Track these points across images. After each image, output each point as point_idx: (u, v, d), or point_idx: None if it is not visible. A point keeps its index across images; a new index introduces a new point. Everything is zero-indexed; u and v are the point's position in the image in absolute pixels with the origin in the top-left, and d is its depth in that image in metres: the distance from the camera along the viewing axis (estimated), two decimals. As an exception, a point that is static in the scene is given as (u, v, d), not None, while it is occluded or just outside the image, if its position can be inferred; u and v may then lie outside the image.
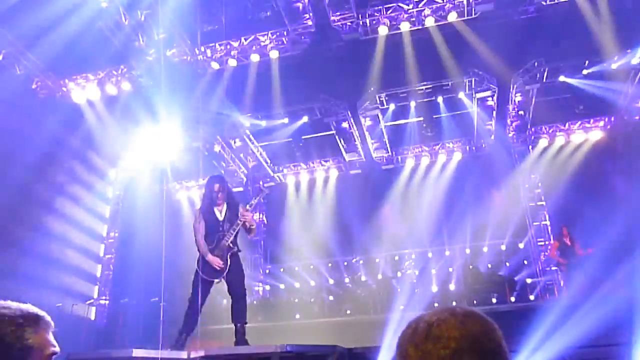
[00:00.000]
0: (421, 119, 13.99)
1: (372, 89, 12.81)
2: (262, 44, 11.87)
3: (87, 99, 12.55)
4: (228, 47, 12.08)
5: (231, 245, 5.90)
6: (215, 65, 12.08)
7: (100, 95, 12.55)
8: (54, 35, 10.40)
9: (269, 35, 11.81)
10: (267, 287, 15.72)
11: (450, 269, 13.60)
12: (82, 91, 12.48)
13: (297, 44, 11.55)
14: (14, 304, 1.35)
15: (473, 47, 11.10)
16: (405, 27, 11.22)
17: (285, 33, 11.65)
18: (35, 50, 11.17)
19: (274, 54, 11.77)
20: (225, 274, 5.84)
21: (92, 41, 11.01)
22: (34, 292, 11.37)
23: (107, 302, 14.54)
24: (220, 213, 6.05)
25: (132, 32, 11.08)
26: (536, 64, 11.86)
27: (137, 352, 4.79)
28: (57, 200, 12.95)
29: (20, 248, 11.61)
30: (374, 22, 11.34)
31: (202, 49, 11.98)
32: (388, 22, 11.25)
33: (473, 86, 12.75)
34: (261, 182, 16.22)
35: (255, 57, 11.89)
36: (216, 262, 5.84)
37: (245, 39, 11.92)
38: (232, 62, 12.03)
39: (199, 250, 6.00)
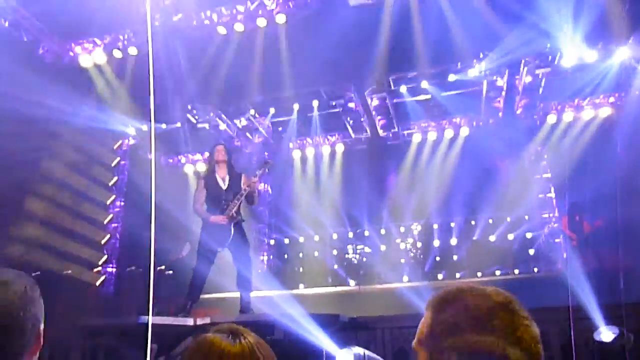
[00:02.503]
0: (429, 96, 13.89)
1: (379, 72, 12.68)
2: (268, 8, 11.69)
3: (94, 63, 12.49)
4: (234, 11, 11.90)
5: (235, 214, 5.90)
6: (221, 30, 11.91)
7: (107, 60, 12.49)
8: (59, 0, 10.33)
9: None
10: (272, 257, 15.87)
11: (455, 241, 13.65)
12: (89, 56, 12.41)
13: (303, 8, 11.36)
14: (21, 272, 1.35)
15: (487, 26, 10.87)
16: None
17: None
18: (41, 15, 11.08)
19: (280, 19, 11.57)
20: (229, 243, 5.85)
21: (98, 6, 10.91)
22: (41, 260, 11.54)
23: (114, 270, 14.73)
24: (223, 182, 6.04)
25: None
26: (549, 45, 11.70)
27: (144, 319, 4.86)
28: (62, 168, 13.00)
29: (27, 215, 11.72)
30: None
31: (208, 13, 11.81)
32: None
33: (484, 68, 12.60)
34: (266, 154, 16.23)
35: (262, 22, 11.71)
36: (220, 219, 5.82)
37: (252, 2, 11.74)
38: (239, 27, 11.84)
39: (198, 216, 6.00)
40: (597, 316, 4.17)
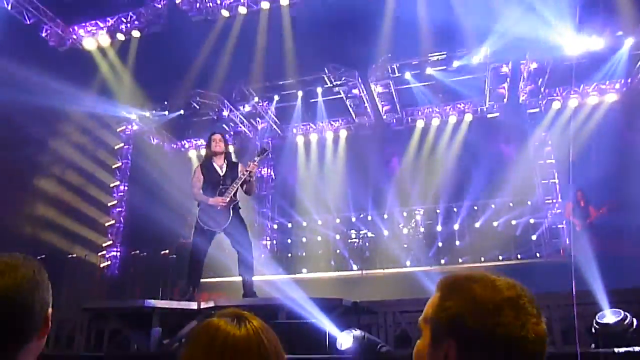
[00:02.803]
0: (433, 82, 13.86)
1: (383, 57, 12.64)
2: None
3: (97, 46, 12.45)
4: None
5: (233, 198, 5.91)
6: (225, 13, 11.83)
7: (110, 44, 12.44)
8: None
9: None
10: (275, 242, 15.93)
11: (457, 226, 13.67)
12: (92, 38, 12.37)
13: None
14: (29, 256, 1.36)
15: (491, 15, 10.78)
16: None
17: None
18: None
19: (284, 1, 11.49)
20: (227, 225, 5.85)
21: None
22: (46, 243, 11.62)
23: (118, 253, 14.83)
24: (220, 169, 6.04)
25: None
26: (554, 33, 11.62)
27: (148, 303, 4.90)
28: (67, 152, 13.04)
29: (36, 194, 11.78)
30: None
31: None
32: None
33: (488, 55, 12.54)
34: (268, 140, 16.26)
35: (265, 4, 11.62)
36: (219, 200, 5.82)
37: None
38: (242, 9, 11.76)
39: (196, 199, 6.00)
40: (601, 301, 4.17)
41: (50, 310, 1.30)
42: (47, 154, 12.40)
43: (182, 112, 14.75)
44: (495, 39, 11.87)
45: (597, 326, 3.82)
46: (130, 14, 12.09)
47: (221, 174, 6.00)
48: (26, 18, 11.31)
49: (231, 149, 6.43)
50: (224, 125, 14.90)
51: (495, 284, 1.18)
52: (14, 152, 11.02)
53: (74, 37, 12.46)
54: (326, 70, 13.48)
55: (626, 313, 3.92)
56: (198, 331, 1.41)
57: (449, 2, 10.86)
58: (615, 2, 10.43)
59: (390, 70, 13.32)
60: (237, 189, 5.95)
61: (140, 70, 12.70)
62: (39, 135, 11.74)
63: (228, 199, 5.83)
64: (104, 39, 12.32)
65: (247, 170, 5.92)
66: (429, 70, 13.08)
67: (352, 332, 4.01)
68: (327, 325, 4.25)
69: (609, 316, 3.86)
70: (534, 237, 12.86)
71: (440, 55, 12.74)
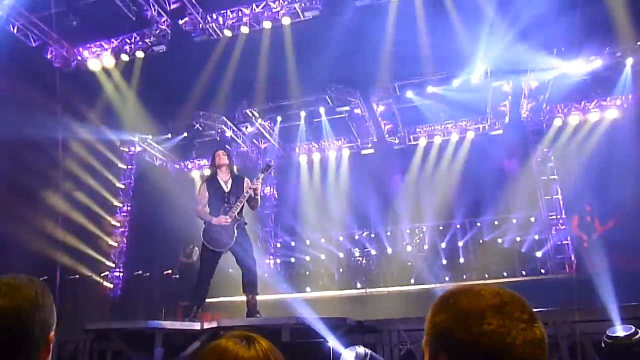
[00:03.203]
0: (434, 101, 13.97)
1: (385, 76, 12.75)
2: (274, 10, 11.73)
3: (102, 67, 12.57)
4: (239, 13, 11.97)
5: (237, 217, 5.90)
6: (227, 33, 11.97)
7: (115, 65, 12.56)
8: (66, 5, 10.44)
9: (280, 1, 11.66)
10: (278, 260, 15.88)
11: (461, 243, 13.62)
12: (96, 59, 12.49)
13: (308, 10, 11.39)
14: (34, 278, 1.35)
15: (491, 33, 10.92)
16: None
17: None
18: (48, 20, 11.19)
19: (286, 21, 11.61)
20: (232, 244, 5.83)
21: (104, 10, 11.02)
22: (49, 265, 11.59)
23: (121, 274, 14.78)
24: (225, 185, 6.03)
25: (144, 1, 11.06)
26: (555, 51, 11.80)
27: (151, 323, 4.88)
28: (70, 173, 13.08)
29: (34, 219, 11.78)
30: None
31: (214, 16, 11.88)
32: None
33: (489, 75, 12.67)
34: (272, 161, 16.34)
35: (267, 24, 11.75)
36: (223, 219, 5.81)
37: (257, 5, 11.80)
38: (244, 29, 11.89)
39: (200, 217, 5.99)
40: (612, 316, 4.13)
41: (52, 333, 1.28)
42: (55, 172, 12.46)
43: (185, 134, 14.86)
44: (494, 60, 12.04)
45: (607, 339, 3.77)
46: (134, 35, 12.23)
47: (226, 190, 5.99)
48: (31, 40, 11.46)
49: (234, 166, 6.42)
50: (227, 146, 14.98)
51: (480, 293, 1.18)
52: (24, 166, 11.09)
53: (79, 58, 12.59)
54: (328, 91, 13.58)
55: (638, 329, 3.88)
56: (206, 352, 1.40)
57: (449, 24, 10.97)
58: (612, 23, 10.54)
59: (392, 90, 13.40)
60: (242, 207, 5.94)
61: (144, 91, 12.82)
62: (48, 151, 11.83)
63: (231, 218, 5.83)
64: (109, 60, 12.44)
65: (251, 188, 5.93)
66: (430, 89, 13.16)
67: (356, 349, 3.97)
68: (332, 344, 4.22)
69: (620, 331, 3.82)
70: (538, 254, 12.80)
71: (440, 75, 12.83)
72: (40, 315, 1.25)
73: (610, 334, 3.77)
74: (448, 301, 1.21)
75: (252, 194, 5.94)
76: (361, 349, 3.96)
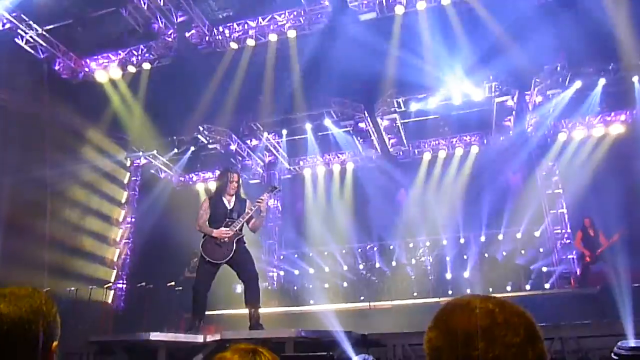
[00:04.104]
0: (438, 116, 14.02)
1: (389, 93, 12.85)
2: (280, 23, 11.84)
3: (109, 78, 12.66)
4: (246, 26, 12.07)
5: (238, 232, 5.92)
6: (234, 45, 12.06)
7: (122, 76, 12.66)
8: (73, 17, 10.57)
9: (286, 14, 11.78)
10: (282, 273, 15.85)
11: (465, 257, 13.57)
12: (103, 71, 12.60)
13: (313, 24, 11.49)
14: (36, 288, 1.36)
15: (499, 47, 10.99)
16: (421, 6, 11.00)
17: (302, 12, 11.65)
18: (56, 32, 11.32)
19: (291, 33, 11.70)
20: (230, 257, 5.84)
21: (112, 23, 11.15)
22: (52, 276, 11.60)
23: (124, 286, 14.76)
24: (229, 203, 6.06)
25: (151, 14, 11.19)
26: (558, 67, 11.89)
27: (154, 336, 4.87)
28: (74, 185, 13.13)
29: (39, 232, 11.82)
30: (390, 0, 11.17)
31: (221, 29, 12.00)
32: (404, 1, 11.06)
33: (493, 90, 12.74)
34: (277, 174, 16.39)
35: (273, 37, 11.84)
36: (224, 232, 5.83)
37: (263, 18, 11.91)
38: (251, 42, 11.97)
39: (201, 231, 6.00)
40: (616, 331, 4.10)
41: (55, 343, 1.29)
42: (63, 181, 12.53)
43: (192, 149, 14.93)
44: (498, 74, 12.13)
45: (620, 351, 3.69)
46: (141, 46, 12.35)
47: (229, 208, 6.02)
48: (40, 52, 11.57)
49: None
50: (231, 159, 15.02)
51: (473, 312, 1.12)
52: (28, 177, 11.14)
53: (86, 69, 12.70)
54: (332, 104, 13.65)
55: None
56: None
57: (453, 38, 11.04)
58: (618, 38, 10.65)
59: (396, 105, 13.45)
60: (243, 224, 5.97)
61: (151, 102, 12.90)
62: (57, 162, 11.91)
63: (232, 232, 5.85)
64: (116, 72, 12.55)
65: (256, 203, 5.94)
66: (435, 104, 13.19)
67: (365, 357, 3.94)
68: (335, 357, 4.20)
69: (632, 344, 3.76)
70: (543, 269, 12.72)
71: (444, 90, 12.89)
72: (43, 324, 1.25)
73: (622, 345, 3.70)
74: (441, 317, 1.17)
75: (258, 210, 5.96)
76: (371, 358, 3.93)
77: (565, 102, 12.70)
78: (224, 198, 6.07)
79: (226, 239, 5.84)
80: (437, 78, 12.30)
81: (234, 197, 6.10)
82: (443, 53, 11.34)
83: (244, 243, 6.05)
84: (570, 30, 10.00)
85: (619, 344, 3.66)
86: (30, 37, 11.17)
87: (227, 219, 5.94)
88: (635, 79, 12.01)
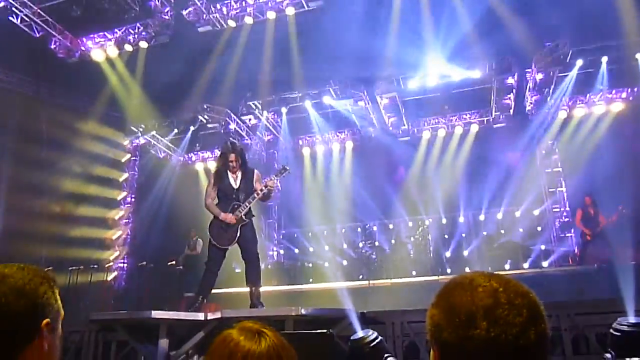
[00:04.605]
0: (438, 94, 13.93)
1: (389, 70, 12.73)
2: (278, 0, 11.68)
3: (105, 57, 12.54)
4: (243, 3, 11.91)
5: (244, 217, 5.93)
6: (231, 23, 11.92)
7: (118, 55, 12.53)
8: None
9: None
10: (282, 252, 15.92)
11: (464, 235, 13.61)
12: (100, 50, 12.47)
13: (312, 0, 11.33)
14: (37, 267, 1.35)
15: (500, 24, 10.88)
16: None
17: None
18: (52, 11, 11.18)
19: (290, 11, 11.55)
20: (234, 242, 5.89)
21: (108, 1, 11.01)
22: (54, 255, 11.66)
23: (125, 265, 14.85)
24: (234, 181, 6.04)
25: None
26: (559, 44, 11.78)
27: (155, 314, 4.90)
28: (74, 165, 13.12)
29: (39, 211, 11.85)
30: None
31: (218, 6, 11.84)
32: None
33: (494, 67, 12.66)
34: (276, 153, 16.36)
35: (271, 14, 11.69)
36: (229, 217, 5.86)
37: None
38: (249, 20, 11.83)
39: (208, 210, 6.02)
40: (612, 309, 4.13)
41: (45, 321, 1.27)
42: (59, 162, 12.51)
43: (192, 128, 14.87)
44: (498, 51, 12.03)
45: (621, 327, 3.69)
46: (138, 25, 12.19)
47: (235, 187, 6.00)
48: (35, 31, 11.44)
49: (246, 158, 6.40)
50: (230, 138, 14.98)
51: (476, 290, 1.11)
52: (27, 157, 11.14)
53: (83, 48, 12.57)
54: (332, 82, 13.55)
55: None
56: (217, 344, 1.41)
57: (454, 15, 10.92)
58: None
59: (395, 83, 13.36)
60: (249, 208, 5.97)
61: (148, 81, 12.81)
62: (55, 141, 11.88)
63: (236, 218, 5.87)
64: (112, 50, 12.42)
65: (265, 187, 5.94)
66: (433, 82, 13.11)
67: (368, 333, 3.98)
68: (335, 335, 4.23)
69: (632, 320, 3.77)
70: (542, 247, 12.78)
71: (444, 66, 12.80)
72: (27, 304, 1.24)
73: (621, 322, 3.71)
74: (444, 294, 1.17)
75: (266, 193, 5.97)
76: (374, 334, 3.96)
77: (567, 80, 12.64)
78: (230, 176, 6.05)
79: (231, 224, 5.87)
80: (436, 55, 12.20)
81: (239, 173, 6.07)
82: (442, 29, 11.23)
83: (251, 221, 6.07)
84: (572, 7, 9.89)
85: (619, 319, 3.68)
86: (26, 15, 11.02)
87: (234, 203, 5.94)
88: (638, 56, 11.88)
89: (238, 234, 5.88)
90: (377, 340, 3.84)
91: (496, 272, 1.21)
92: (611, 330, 3.66)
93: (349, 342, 3.99)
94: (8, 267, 1.29)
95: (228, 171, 6.03)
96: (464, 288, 1.14)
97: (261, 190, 5.94)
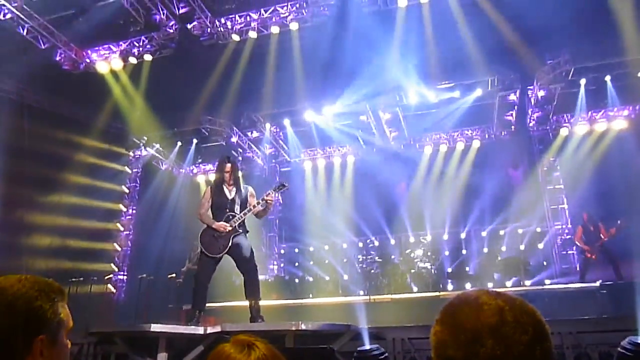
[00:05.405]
0: (439, 110, 14.00)
1: (390, 86, 12.82)
2: (282, 15, 11.78)
3: (110, 69, 12.62)
4: (248, 18, 12.02)
5: (237, 228, 5.92)
6: (235, 37, 12.02)
7: (123, 67, 12.61)
8: (75, 8, 10.53)
9: (289, 6, 11.72)
10: (282, 266, 15.86)
11: (465, 252, 13.57)
12: (105, 62, 12.55)
13: (316, 16, 11.42)
14: (39, 278, 1.34)
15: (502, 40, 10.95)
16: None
17: (305, 4, 11.59)
18: (57, 23, 11.29)
19: (294, 26, 11.65)
20: (226, 251, 5.87)
21: (113, 14, 11.10)
22: (53, 267, 11.63)
23: (125, 277, 14.80)
24: (229, 192, 6.07)
25: (152, 5, 11.13)
26: (560, 62, 11.85)
27: (155, 327, 4.87)
28: (76, 177, 13.14)
29: (40, 225, 11.84)
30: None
31: (223, 20, 11.94)
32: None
33: (496, 84, 12.73)
34: (277, 166, 16.37)
35: (275, 29, 11.79)
36: (222, 226, 5.85)
37: (265, 10, 11.85)
38: (253, 34, 11.92)
39: (201, 220, 6.02)
40: (615, 327, 4.09)
41: (39, 337, 1.24)
42: (61, 174, 12.52)
43: (195, 141, 14.94)
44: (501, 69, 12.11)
45: (628, 346, 3.64)
46: (143, 38, 12.29)
47: (229, 197, 6.03)
48: (41, 43, 11.54)
49: (239, 173, 6.44)
50: (232, 151, 15.02)
51: (482, 308, 1.11)
52: (29, 169, 11.14)
53: (88, 60, 12.66)
54: (334, 97, 13.61)
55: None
56: (211, 359, 1.41)
57: (456, 33, 10.98)
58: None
59: (397, 98, 13.42)
60: (244, 220, 5.98)
61: (152, 94, 12.88)
62: (57, 152, 11.90)
63: (230, 228, 5.86)
64: (117, 63, 12.50)
65: (263, 200, 5.94)
66: (436, 98, 13.17)
67: (374, 348, 3.95)
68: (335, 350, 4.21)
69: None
70: (544, 263, 12.73)
71: (447, 84, 12.87)
72: (17, 320, 1.22)
73: (633, 341, 3.65)
74: (448, 312, 1.17)
75: (264, 207, 5.98)
76: (380, 349, 3.93)
77: (568, 97, 12.68)
78: (225, 188, 6.09)
79: (223, 234, 5.86)
80: (440, 72, 12.25)
81: (234, 186, 6.11)
82: (444, 46, 11.29)
83: (246, 233, 6.06)
84: (573, 25, 9.95)
85: (629, 338, 3.63)
86: (32, 27, 11.13)
87: (229, 213, 5.95)
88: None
89: (230, 244, 5.86)
90: (383, 357, 3.83)
91: (498, 289, 1.21)
92: (619, 349, 3.62)
93: (354, 355, 3.96)
94: (5, 280, 1.27)
95: (224, 184, 6.07)
96: (469, 306, 1.14)
97: (258, 203, 5.95)
